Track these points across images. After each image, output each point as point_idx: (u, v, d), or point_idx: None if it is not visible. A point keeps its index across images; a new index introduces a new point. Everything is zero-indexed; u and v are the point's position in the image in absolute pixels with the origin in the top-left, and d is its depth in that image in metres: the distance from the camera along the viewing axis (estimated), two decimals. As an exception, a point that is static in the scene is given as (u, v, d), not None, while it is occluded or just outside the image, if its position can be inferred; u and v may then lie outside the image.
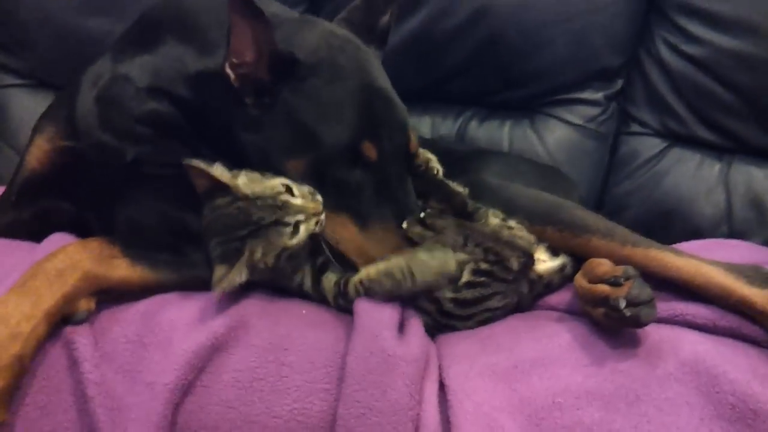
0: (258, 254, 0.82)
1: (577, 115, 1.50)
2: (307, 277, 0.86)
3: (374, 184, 0.90)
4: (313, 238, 0.86)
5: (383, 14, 1.05)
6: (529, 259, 0.86)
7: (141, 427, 0.71)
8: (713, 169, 1.44)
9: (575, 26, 1.44)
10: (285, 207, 0.82)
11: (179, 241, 0.91)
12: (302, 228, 0.83)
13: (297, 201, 0.84)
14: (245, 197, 0.83)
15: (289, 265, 0.84)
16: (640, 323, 0.77)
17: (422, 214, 0.87)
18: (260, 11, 0.82)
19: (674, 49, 1.43)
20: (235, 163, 0.89)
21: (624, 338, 0.81)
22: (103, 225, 0.98)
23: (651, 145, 1.49)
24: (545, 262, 0.92)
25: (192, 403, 0.74)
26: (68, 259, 0.78)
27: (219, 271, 0.81)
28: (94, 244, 0.81)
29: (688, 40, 1.41)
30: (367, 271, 0.82)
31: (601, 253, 0.88)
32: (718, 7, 1.37)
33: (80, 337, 0.76)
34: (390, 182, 0.90)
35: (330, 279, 0.85)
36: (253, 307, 0.83)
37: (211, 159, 0.88)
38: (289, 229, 0.82)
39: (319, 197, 0.86)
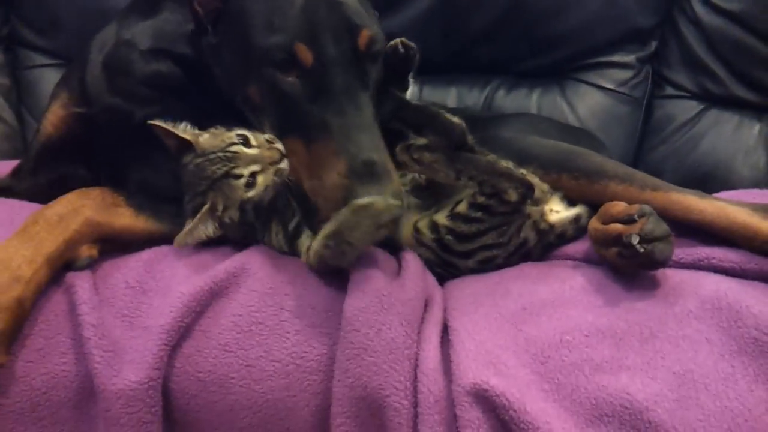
0: (220, 208, 0.81)
1: (609, 79, 1.45)
2: (280, 234, 0.83)
3: (317, 96, 0.81)
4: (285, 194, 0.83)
5: None
6: (528, 191, 0.82)
7: (135, 369, 0.70)
8: (752, 129, 1.38)
9: (607, -16, 1.39)
10: (236, 158, 0.80)
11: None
12: (259, 179, 0.81)
13: (250, 151, 0.81)
14: (203, 152, 0.82)
15: (257, 220, 0.83)
16: (655, 260, 0.73)
17: (410, 143, 0.83)
18: None
19: (710, 5, 1.37)
20: (235, 115, 0.88)
21: (642, 280, 0.77)
22: (117, 188, 0.98)
23: (687, 108, 1.43)
24: (558, 213, 0.88)
25: (190, 347, 0.73)
26: (70, 205, 0.78)
27: (186, 225, 0.81)
28: (96, 192, 0.81)
29: (725, -6, 1.36)
30: (314, 242, 0.78)
31: (620, 199, 0.83)
32: (754, -42, 1.31)
33: (80, 281, 0.76)
34: (335, 93, 0.81)
35: (303, 243, 0.82)
36: (256, 255, 0.81)
37: (213, 115, 0.88)
38: (242, 181, 0.80)
39: (278, 145, 0.82)
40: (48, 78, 1.48)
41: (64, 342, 0.73)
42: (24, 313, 0.72)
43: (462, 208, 0.82)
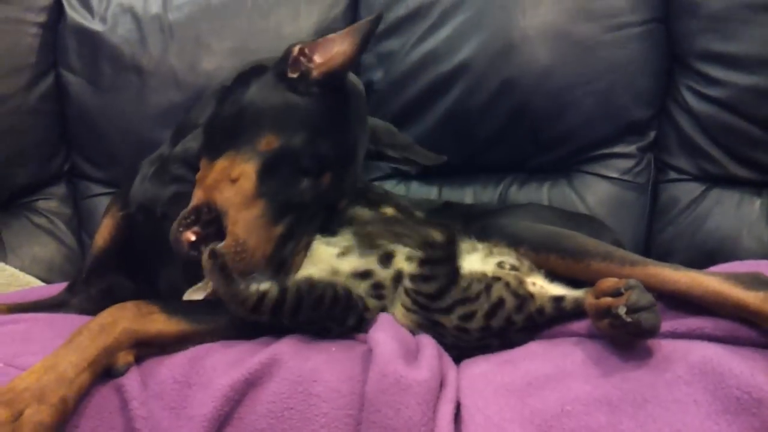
0: None
1: (613, 168, 1.55)
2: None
3: (304, 202, 1.01)
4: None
5: (393, 151, 1.25)
6: (451, 231, 0.93)
7: (183, 455, 0.79)
8: (754, 204, 1.45)
9: (600, 86, 1.52)
10: None
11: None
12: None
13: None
14: None
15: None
16: (642, 328, 0.80)
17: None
18: (369, 40, 1.02)
19: (699, 94, 1.49)
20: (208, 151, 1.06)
21: (637, 351, 0.84)
22: (155, 295, 1.10)
23: (690, 189, 1.52)
24: (539, 286, 0.96)
25: (229, 432, 0.82)
26: (110, 317, 0.89)
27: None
28: (132, 304, 0.92)
29: (711, 83, 1.47)
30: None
31: (602, 275, 0.91)
32: (733, 49, 1.44)
33: (129, 380, 0.85)
34: (312, 213, 1.02)
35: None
36: (286, 347, 0.90)
37: None
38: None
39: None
40: (104, 205, 1.62)
41: (119, 434, 0.82)
42: (67, 411, 0.81)
43: (413, 268, 0.93)
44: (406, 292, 0.96)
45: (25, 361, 0.87)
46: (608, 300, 0.83)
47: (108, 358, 0.86)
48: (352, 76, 1.11)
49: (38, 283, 1.48)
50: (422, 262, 0.94)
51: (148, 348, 0.91)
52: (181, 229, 0.99)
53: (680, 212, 1.51)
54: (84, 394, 0.83)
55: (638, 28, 1.52)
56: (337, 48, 1.03)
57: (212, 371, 0.87)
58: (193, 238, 0.99)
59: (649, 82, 1.54)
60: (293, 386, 0.85)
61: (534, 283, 0.96)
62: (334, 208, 1.07)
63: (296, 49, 1.05)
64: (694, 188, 1.52)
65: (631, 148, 1.55)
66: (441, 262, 0.94)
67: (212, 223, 1.00)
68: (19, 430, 0.76)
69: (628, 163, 1.55)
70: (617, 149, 1.55)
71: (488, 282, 0.95)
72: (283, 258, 0.98)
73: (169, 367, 0.88)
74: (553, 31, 1.51)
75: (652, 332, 0.81)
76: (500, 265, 0.98)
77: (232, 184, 1.00)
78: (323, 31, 1.62)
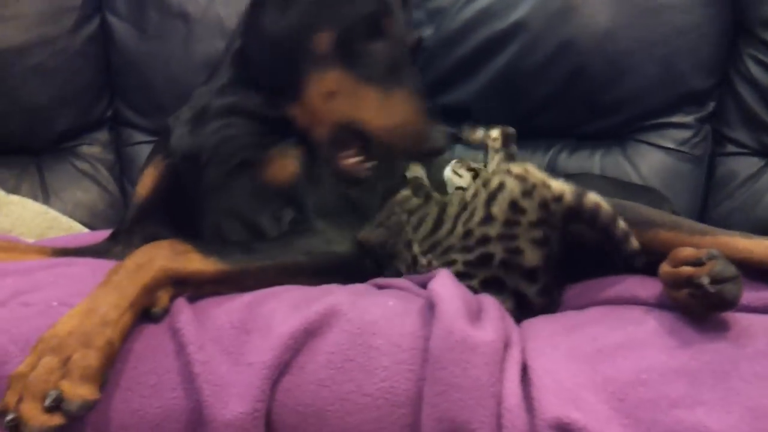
0: None
1: (670, 139, 1.51)
2: None
3: (393, 59, 1.02)
4: None
5: None
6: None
7: (242, 401, 0.76)
8: (814, 180, 1.40)
9: (661, 51, 1.47)
10: None
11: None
12: None
13: None
14: None
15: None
16: (725, 300, 0.77)
17: None
18: None
19: (763, 65, 1.43)
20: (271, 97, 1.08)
21: (713, 324, 0.81)
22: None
23: (749, 164, 1.47)
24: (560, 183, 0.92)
25: (289, 381, 0.79)
26: (145, 256, 0.86)
27: None
28: (166, 243, 0.89)
29: (777, 54, 1.41)
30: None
31: (670, 245, 0.88)
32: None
33: (186, 325, 0.83)
34: (405, 64, 1.03)
35: None
36: (343, 298, 0.88)
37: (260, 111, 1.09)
38: None
39: None
40: (147, 154, 1.60)
41: (175, 379, 0.80)
42: (113, 353, 0.79)
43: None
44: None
45: (78, 302, 0.84)
46: (689, 269, 0.79)
47: (147, 297, 0.84)
48: None
49: (80, 227, 1.47)
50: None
51: (183, 287, 0.88)
52: (340, 165, 1.01)
53: (737, 187, 1.47)
54: (127, 335, 0.81)
55: (704, -8, 1.47)
56: None
57: (270, 318, 0.85)
58: (354, 160, 1.01)
59: (712, 51, 1.48)
60: (353, 338, 0.82)
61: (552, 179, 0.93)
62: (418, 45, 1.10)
63: None
64: (753, 163, 1.48)
65: (689, 118, 1.51)
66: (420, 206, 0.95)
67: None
68: (70, 375, 0.74)
69: (685, 134, 1.51)
70: (675, 119, 1.51)
71: (487, 178, 0.93)
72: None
73: (226, 311, 0.86)
74: (616, -9, 1.46)
75: (733, 304, 0.78)
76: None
77: (336, 97, 1.01)
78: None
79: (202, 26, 1.59)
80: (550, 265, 0.93)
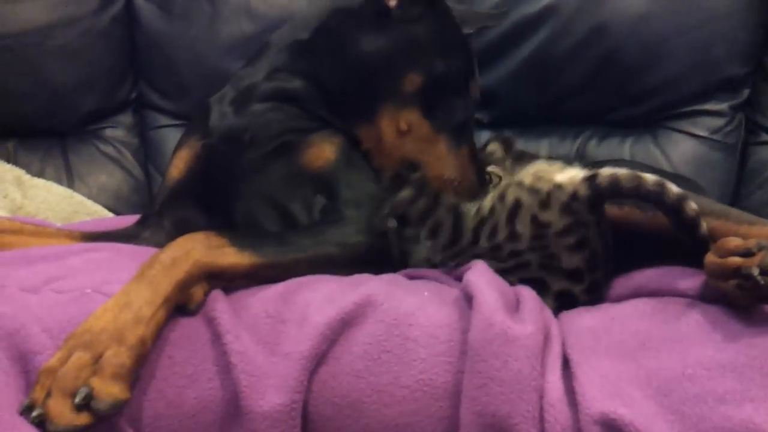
0: None
1: (702, 127, 1.48)
2: None
3: (465, 118, 1.09)
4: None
5: (468, 28, 1.21)
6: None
7: (279, 392, 0.75)
8: None
9: (696, 37, 1.44)
10: None
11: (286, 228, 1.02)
12: None
13: None
14: None
15: None
16: (775, 292, 0.75)
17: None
18: None
19: (802, 53, 1.39)
20: (338, 108, 1.08)
21: (757, 317, 0.79)
22: (230, 229, 1.07)
23: (783, 153, 1.44)
24: (571, 176, 0.90)
25: (325, 372, 0.78)
26: (180, 249, 0.84)
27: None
28: (202, 236, 0.87)
29: (816, 42, 1.37)
30: None
31: (718, 234, 0.86)
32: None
33: (222, 314, 0.82)
34: (471, 123, 1.10)
35: None
36: (378, 288, 0.86)
37: (316, 113, 1.09)
38: None
39: None
40: (172, 137, 1.60)
41: (211, 369, 0.79)
42: (146, 351, 0.77)
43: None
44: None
45: (111, 289, 0.83)
46: (737, 260, 0.77)
47: (182, 292, 0.82)
48: None
49: (105, 212, 1.46)
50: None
51: (217, 281, 0.87)
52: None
53: (770, 177, 1.44)
54: (160, 332, 0.79)
55: (741, -21, 1.43)
56: None
57: (306, 308, 0.83)
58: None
59: (748, 37, 1.45)
60: (389, 329, 0.81)
61: (562, 174, 0.90)
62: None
63: None
64: (788, 152, 1.44)
65: (722, 106, 1.48)
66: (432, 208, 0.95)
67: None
68: (101, 372, 0.73)
69: (718, 122, 1.48)
70: (708, 106, 1.48)
71: (502, 191, 0.92)
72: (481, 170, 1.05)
73: (261, 300, 0.85)
74: (651, -24, 1.43)
75: (782, 295, 0.76)
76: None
77: (406, 135, 1.04)
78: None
79: (228, 7, 1.57)
80: (597, 264, 0.91)
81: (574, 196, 0.88)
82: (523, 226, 0.90)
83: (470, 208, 0.95)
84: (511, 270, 0.91)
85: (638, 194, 0.86)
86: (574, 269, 0.90)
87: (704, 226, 0.86)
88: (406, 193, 0.96)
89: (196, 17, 1.57)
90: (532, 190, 0.91)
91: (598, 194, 0.88)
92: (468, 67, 1.10)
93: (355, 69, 1.06)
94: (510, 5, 1.50)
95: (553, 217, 0.89)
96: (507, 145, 1.11)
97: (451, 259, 0.96)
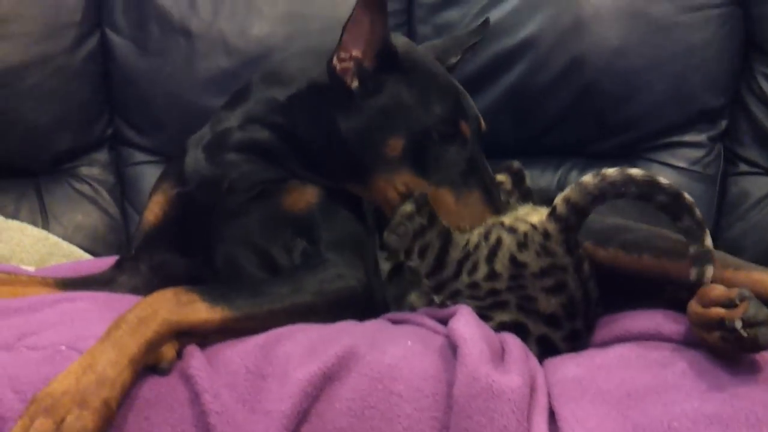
0: None
1: (681, 158, 1.49)
2: None
3: (466, 160, 1.03)
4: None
5: (454, 55, 1.21)
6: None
7: (260, 453, 0.74)
8: (831, 203, 1.38)
9: (672, 69, 1.45)
10: None
11: (268, 273, 1.00)
12: None
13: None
14: None
15: None
16: (759, 344, 0.74)
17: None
18: (385, 4, 0.98)
19: (777, 83, 1.41)
20: (321, 171, 1.06)
21: (743, 365, 0.78)
22: (210, 272, 1.06)
23: (762, 183, 1.45)
24: (542, 213, 0.92)
25: (308, 430, 0.77)
26: (148, 308, 0.82)
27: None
28: (170, 293, 0.85)
29: (790, 73, 1.39)
30: None
31: None
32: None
33: (198, 371, 0.79)
34: (477, 159, 1.04)
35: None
36: (361, 338, 0.85)
37: (296, 172, 1.07)
38: None
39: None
40: (149, 174, 1.60)
41: (190, 430, 0.77)
42: (111, 414, 0.74)
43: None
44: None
45: (86, 345, 0.81)
46: (720, 311, 0.77)
47: (150, 352, 0.80)
48: (394, 37, 1.07)
49: (81, 253, 1.43)
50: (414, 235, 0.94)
51: (189, 338, 0.84)
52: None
53: (751, 207, 1.45)
54: (126, 394, 0.77)
55: (716, 10, 1.45)
56: (362, 28, 1.00)
57: (286, 362, 0.82)
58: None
59: (724, 69, 1.47)
60: (373, 383, 0.80)
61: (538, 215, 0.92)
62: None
63: (337, 63, 1.03)
64: (767, 183, 1.45)
65: (701, 137, 1.49)
66: (425, 228, 0.94)
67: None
68: None
69: (697, 153, 1.49)
70: (686, 137, 1.49)
71: (488, 229, 0.93)
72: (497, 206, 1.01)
73: (240, 354, 0.83)
74: (628, 9, 1.45)
75: (766, 347, 0.75)
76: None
77: (405, 195, 1.00)
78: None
79: (205, 43, 1.56)
80: (576, 311, 0.90)
81: (545, 234, 0.90)
82: (501, 266, 0.91)
83: (460, 240, 0.95)
84: (490, 307, 0.91)
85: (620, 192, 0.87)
86: (551, 314, 0.90)
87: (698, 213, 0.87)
88: (407, 208, 0.95)
89: (172, 53, 1.56)
90: (511, 230, 0.92)
91: (563, 224, 0.89)
92: (454, 108, 1.05)
93: (335, 142, 1.04)
94: (489, 37, 1.50)
95: (529, 258, 0.90)
96: (517, 179, 1.09)
97: (435, 292, 0.96)
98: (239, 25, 1.55)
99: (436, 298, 0.96)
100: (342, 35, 1.01)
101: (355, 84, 1.03)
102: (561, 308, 0.89)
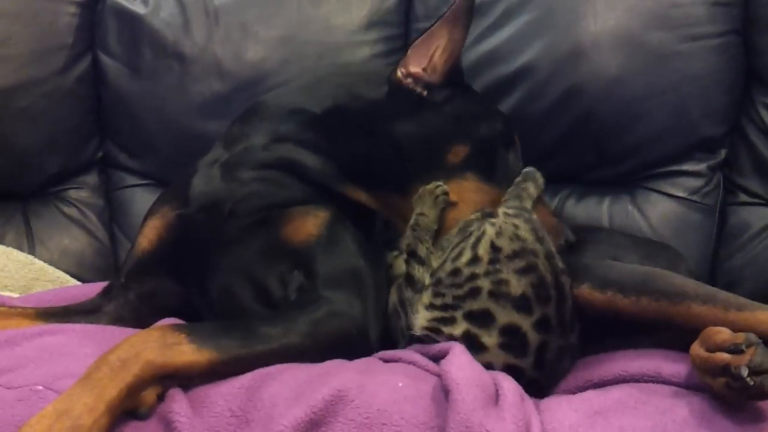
0: None
1: (680, 187, 1.46)
2: None
3: (519, 167, 1.14)
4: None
5: None
6: None
7: (242, 504, 0.71)
8: (833, 234, 1.35)
9: (672, 98, 1.42)
10: None
11: (264, 307, 0.98)
12: None
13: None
14: None
15: None
16: (765, 393, 0.71)
17: None
18: (470, 22, 1.09)
19: (778, 114, 1.39)
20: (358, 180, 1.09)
21: (748, 412, 0.76)
22: (205, 301, 1.02)
23: (762, 214, 1.42)
24: None
25: (293, 479, 0.74)
26: (131, 349, 0.78)
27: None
28: (157, 333, 0.81)
29: (790, 102, 1.37)
30: None
31: (704, 320, 0.83)
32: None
33: (180, 416, 0.77)
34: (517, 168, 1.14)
35: None
36: (349, 380, 0.82)
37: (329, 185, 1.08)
38: None
39: None
40: (139, 197, 1.57)
41: (171, 476, 0.74)
42: None
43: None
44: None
45: (63, 384, 0.78)
46: (725, 357, 0.74)
47: (130, 397, 0.76)
48: None
49: (68, 278, 1.40)
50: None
51: (172, 381, 0.80)
52: None
53: (751, 238, 1.42)
54: None
55: (716, 39, 1.42)
56: (439, 42, 1.08)
57: (271, 406, 0.79)
58: None
59: (724, 98, 1.44)
60: (362, 429, 0.77)
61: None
62: None
63: (400, 74, 1.09)
64: (767, 213, 1.42)
65: (700, 167, 1.46)
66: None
67: None
68: None
69: (696, 182, 1.46)
70: (686, 167, 1.46)
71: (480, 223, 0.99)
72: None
73: (224, 396, 0.80)
74: (627, 38, 1.41)
75: (775, 396, 0.73)
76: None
77: (461, 206, 1.04)
78: (375, 23, 1.54)
79: (198, 67, 1.53)
80: (547, 296, 0.91)
81: (515, 225, 0.99)
82: (483, 250, 0.95)
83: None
84: (463, 297, 0.93)
85: None
86: (522, 295, 0.90)
87: None
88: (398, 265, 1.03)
89: (165, 76, 1.53)
90: (491, 223, 0.99)
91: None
92: (507, 119, 1.17)
93: (388, 151, 1.08)
94: (486, 65, 1.48)
95: (504, 243, 0.96)
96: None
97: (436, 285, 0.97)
98: (233, 49, 1.52)
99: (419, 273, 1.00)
100: (412, 46, 1.09)
101: (425, 93, 1.09)
102: (531, 288, 0.90)
